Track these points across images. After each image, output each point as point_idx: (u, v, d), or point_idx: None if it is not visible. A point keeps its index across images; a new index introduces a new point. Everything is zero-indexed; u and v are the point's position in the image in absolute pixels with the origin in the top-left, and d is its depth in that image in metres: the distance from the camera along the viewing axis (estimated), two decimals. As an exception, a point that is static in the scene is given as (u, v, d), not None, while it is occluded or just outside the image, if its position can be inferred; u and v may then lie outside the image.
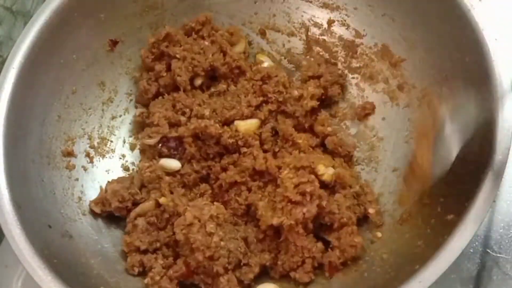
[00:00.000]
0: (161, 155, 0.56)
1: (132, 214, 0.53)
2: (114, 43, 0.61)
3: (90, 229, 0.53)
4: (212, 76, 0.61)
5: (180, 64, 0.58)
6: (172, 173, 0.55)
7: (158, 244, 0.52)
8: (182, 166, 0.55)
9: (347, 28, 0.62)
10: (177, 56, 0.59)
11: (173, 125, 0.57)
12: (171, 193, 0.54)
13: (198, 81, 0.59)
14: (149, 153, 0.57)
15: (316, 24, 0.64)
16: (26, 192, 0.49)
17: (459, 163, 0.47)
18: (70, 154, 0.57)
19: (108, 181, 0.56)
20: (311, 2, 0.64)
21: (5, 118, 0.50)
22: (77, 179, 0.56)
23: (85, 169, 0.58)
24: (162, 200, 0.52)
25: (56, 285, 0.43)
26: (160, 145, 0.56)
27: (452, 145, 0.46)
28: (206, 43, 0.60)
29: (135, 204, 0.54)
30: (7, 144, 0.49)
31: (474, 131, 0.45)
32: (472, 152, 0.45)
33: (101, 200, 0.54)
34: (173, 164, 0.55)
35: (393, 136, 0.57)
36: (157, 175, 0.54)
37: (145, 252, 0.52)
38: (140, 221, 0.52)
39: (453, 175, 0.47)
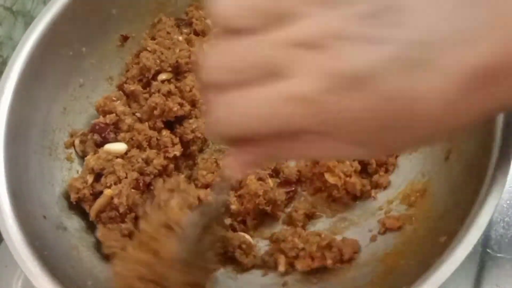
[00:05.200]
0: (99, 144, 0.55)
1: (92, 213, 0.51)
2: (124, 38, 0.62)
3: (85, 222, 0.53)
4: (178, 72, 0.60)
5: (148, 55, 0.58)
6: (121, 157, 0.54)
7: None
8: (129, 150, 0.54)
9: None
10: (148, 48, 0.59)
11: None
12: (126, 177, 0.52)
13: (163, 76, 0.59)
14: (89, 147, 0.56)
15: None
16: (24, 182, 0.50)
17: (455, 185, 0.46)
18: (72, 146, 0.57)
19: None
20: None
21: (9, 108, 0.50)
22: (77, 171, 0.57)
23: (86, 162, 0.58)
24: (107, 192, 0.51)
25: (43, 277, 0.43)
26: (92, 133, 0.55)
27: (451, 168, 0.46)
28: (180, 38, 0.60)
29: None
30: (9, 133, 0.50)
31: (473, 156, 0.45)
32: (468, 174, 0.44)
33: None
34: (119, 147, 0.54)
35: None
36: (107, 159, 0.53)
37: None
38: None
39: (449, 196, 0.47)
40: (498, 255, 0.52)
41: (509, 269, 0.51)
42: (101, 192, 0.52)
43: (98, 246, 0.52)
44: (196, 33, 0.62)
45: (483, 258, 0.52)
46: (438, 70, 0.26)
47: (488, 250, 0.52)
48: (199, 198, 0.51)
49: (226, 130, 0.30)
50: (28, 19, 0.54)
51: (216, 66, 0.29)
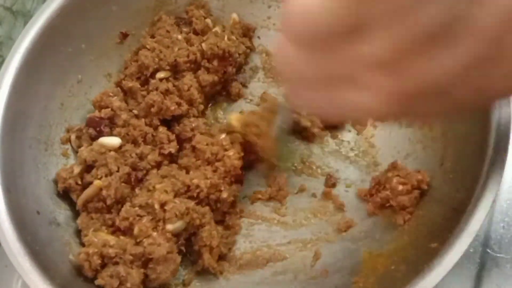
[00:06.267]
0: (94, 138, 0.56)
1: (79, 202, 0.52)
2: (124, 35, 0.62)
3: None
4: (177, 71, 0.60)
5: (147, 53, 0.58)
6: (115, 151, 0.54)
7: None
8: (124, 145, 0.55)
9: (358, 42, 0.62)
10: (147, 46, 0.59)
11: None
12: (118, 170, 0.52)
13: (161, 75, 0.59)
14: (84, 141, 0.56)
15: (328, 35, 0.63)
16: (18, 177, 0.50)
17: (449, 191, 0.46)
18: (69, 141, 0.57)
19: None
20: (325, 12, 0.63)
21: (6, 102, 0.51)
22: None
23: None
24: (96, 183, 0.51)
25: (33, 273, 0.43)
26: (87, 127, 0.56)
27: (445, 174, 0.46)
28: (180, 37, 0.60)
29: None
30: (5, 128, 0.50)
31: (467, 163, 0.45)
32: (461, 181, 0.44)
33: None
34: (113, 140, 0.54)
35: (391, 154, 0.56)
36: (100, 152, 0.53)
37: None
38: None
39: (442, 203, 0.46)
40: (498, 255, 0.52)
41: (509, 269, 0.51)
42: (90, 183, 0.52)
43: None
44: (196, 32, 0.62)
45: (483, 258, 0.52)
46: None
47: (488, 250, 0.52)
48: (187, 185, 0.52)
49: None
50: (28, 19, 0.54)
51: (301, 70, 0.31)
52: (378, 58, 0.27)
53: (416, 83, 0.27)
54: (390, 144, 0.57)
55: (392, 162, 0.54)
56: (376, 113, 0.29)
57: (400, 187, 0.50)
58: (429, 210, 0.48)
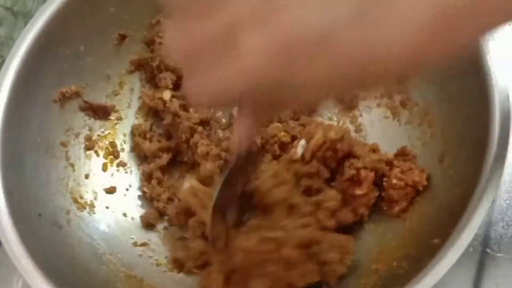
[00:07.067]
0: None
1: None
2: (122, 37, 0.62)
3: (81, 221, 0.54)
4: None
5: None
6: None
7: None
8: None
9: (356, 40, 0.62)
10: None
11: None
12: None
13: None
14: None
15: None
16: (19, 179, 0.50)
17: (449, 187, 0.47)
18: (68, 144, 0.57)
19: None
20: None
21: (6, 105, 0.51)
22: (74, 170, 0.57)
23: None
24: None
25: (36, 275, 0.43)
26: None
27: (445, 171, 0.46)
28: None
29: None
30: (5, 130, 0.50)
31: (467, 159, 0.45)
32: (462, 177, 0.45)
33: None
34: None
35: (390, 152, 0.56)
36: None
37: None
38: None
39: (443, 199, 0.47)
40: (498, 255, 0.52)
41: (508, 269, 0.51)
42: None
43: (92, 245, 0.53)
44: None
45: (483, 258, 0.52)
46: (396, 17, 0.25)
47: (487, 250, 0.52)
48: None
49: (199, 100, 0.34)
50: (29, 19, 0.54)
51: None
52: (244, 16, 0.27)
53: (284, 34, 0.27)
54: (388, 141, 0.57)
55: (402, 147, 0.54)
56: (257, 73, 0.28)
57: (394, 181, 0.50)
58: (430, 206, 0.48)
